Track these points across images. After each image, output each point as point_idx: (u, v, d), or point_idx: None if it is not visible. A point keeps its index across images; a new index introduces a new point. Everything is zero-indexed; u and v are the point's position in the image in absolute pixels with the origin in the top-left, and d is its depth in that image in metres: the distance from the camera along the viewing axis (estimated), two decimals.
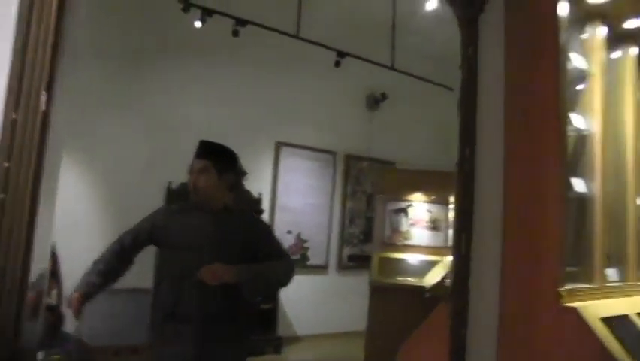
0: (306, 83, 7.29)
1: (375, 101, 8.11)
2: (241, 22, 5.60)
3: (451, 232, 5.71)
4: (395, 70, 6.59)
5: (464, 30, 2.57)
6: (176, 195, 5.81)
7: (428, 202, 6.39)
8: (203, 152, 2.70)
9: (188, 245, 2.59)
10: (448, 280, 2.86)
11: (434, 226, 6.35)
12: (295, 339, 7.06)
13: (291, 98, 7.19)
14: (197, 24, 5.63)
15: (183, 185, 2.97)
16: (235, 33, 5.64)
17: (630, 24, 2.78)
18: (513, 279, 2.47)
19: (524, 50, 2.54)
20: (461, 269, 2.50)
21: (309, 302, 7.20)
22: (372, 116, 8.09)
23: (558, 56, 2.39)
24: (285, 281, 2.75)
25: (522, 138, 2.52)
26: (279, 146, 7.30)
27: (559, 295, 2.29)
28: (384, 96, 8.03)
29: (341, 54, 6.37)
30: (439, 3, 4.57)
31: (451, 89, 6.70)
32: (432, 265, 5.95)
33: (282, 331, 6.75)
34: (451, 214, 5.95)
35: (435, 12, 5.58)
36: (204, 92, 6.47)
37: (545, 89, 2.44)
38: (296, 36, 5.68)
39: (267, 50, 6.54)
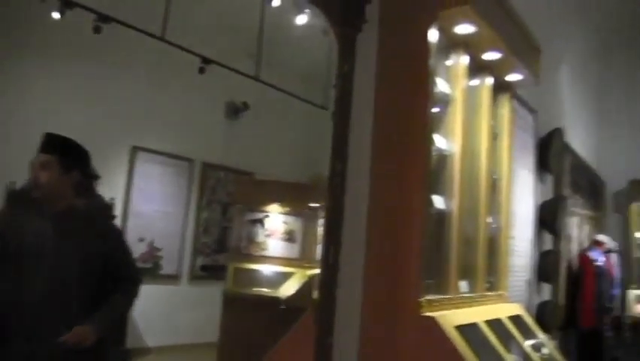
0: (168, 88, 7.10)
1: (236, 111, 8.07)
2: (103, 18, 5.30)
3: (319, 245, 5.85)
4: (259, 81, 6.59)
5: (341, 47, 2.62)
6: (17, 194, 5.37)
7: (284, 214, 6.46)
8: (47, 145, 2.47)
9: (25, 253, 2.35)
10: (314, 291, 2.90)
11: (289, 237, 6.42)
12: (145, 350, 6.77)
13: (151, 101, 6.98)
14: (56, 16, 5.26)
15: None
16: (97, 29, 5.29)
17: (488, 56, 3.03)
18: (376, 290, 2.58)
19: (395, 71, 2.67)
20: (329, 280, 2.55)
21: (160, 312, 6.96)
22: (233, 126, 8.05)
23: (426, 80, 2.54)
24: (129, 308, 2.71)
25: (389, 155, 2.64)
26: (134, 150, 7.04)
27: (419, 305, 2.42)
28: (245, 106, 8.02)
29: (206, 61, 6.27)
30: (316, 18, 4.65)
31: (315, 104, 6.84)
32: (287, 276, 6.02)
33: (131, 342, 6.41)
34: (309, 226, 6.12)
35: (305, 29, 5.68)
36: (60, 88, 6.12)
37: (413, 110, 2.57)
38: (161, 38, 5.50)
39: (131, 50, 6.30)
